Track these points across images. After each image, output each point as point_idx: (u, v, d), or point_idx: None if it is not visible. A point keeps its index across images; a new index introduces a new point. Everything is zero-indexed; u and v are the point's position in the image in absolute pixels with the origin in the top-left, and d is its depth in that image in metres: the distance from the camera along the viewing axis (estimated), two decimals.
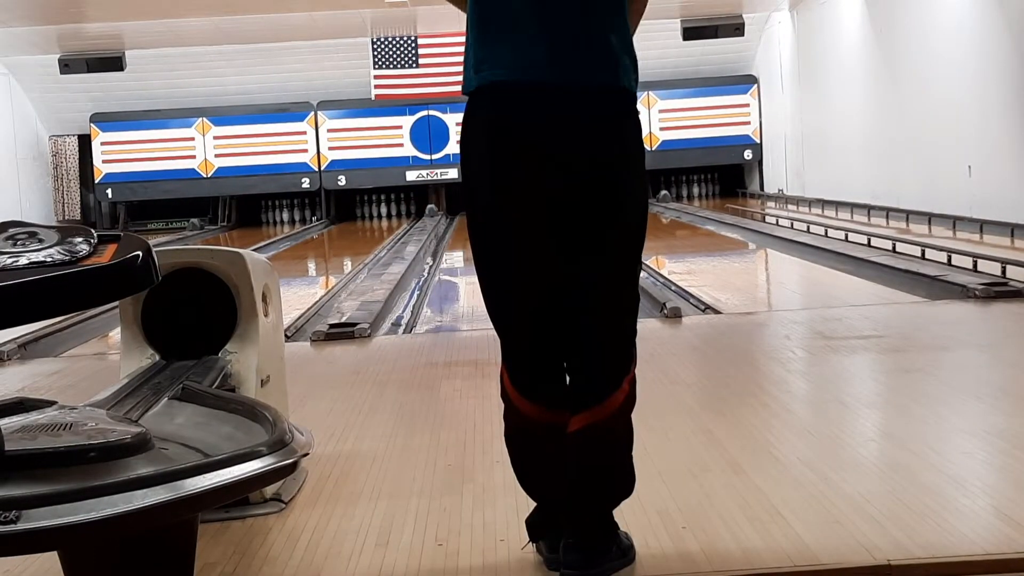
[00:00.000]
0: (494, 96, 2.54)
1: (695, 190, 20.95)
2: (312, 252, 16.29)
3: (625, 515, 3.00)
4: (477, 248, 2.63)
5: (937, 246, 8.85)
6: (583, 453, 2.58)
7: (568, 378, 2.64)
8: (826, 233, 11.51)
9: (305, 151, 20.33)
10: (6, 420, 2.26)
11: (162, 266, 2.23)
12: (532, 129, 2.51)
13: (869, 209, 13.67)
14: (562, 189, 2.52)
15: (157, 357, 3.36)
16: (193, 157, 20.36)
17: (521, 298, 2.59)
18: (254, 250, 5.15)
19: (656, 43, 18.63)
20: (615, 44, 2.54)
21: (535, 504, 2.76)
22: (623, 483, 2.69)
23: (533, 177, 2.52)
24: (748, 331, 6.44)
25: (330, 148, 20.33)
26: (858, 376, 5.14)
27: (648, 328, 6.33)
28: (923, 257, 8.67)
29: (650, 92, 19.79)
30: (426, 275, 11.11)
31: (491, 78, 2.53)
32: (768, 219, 14.75)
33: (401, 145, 20.19)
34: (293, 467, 2.26)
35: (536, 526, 2.75)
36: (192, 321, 3.41)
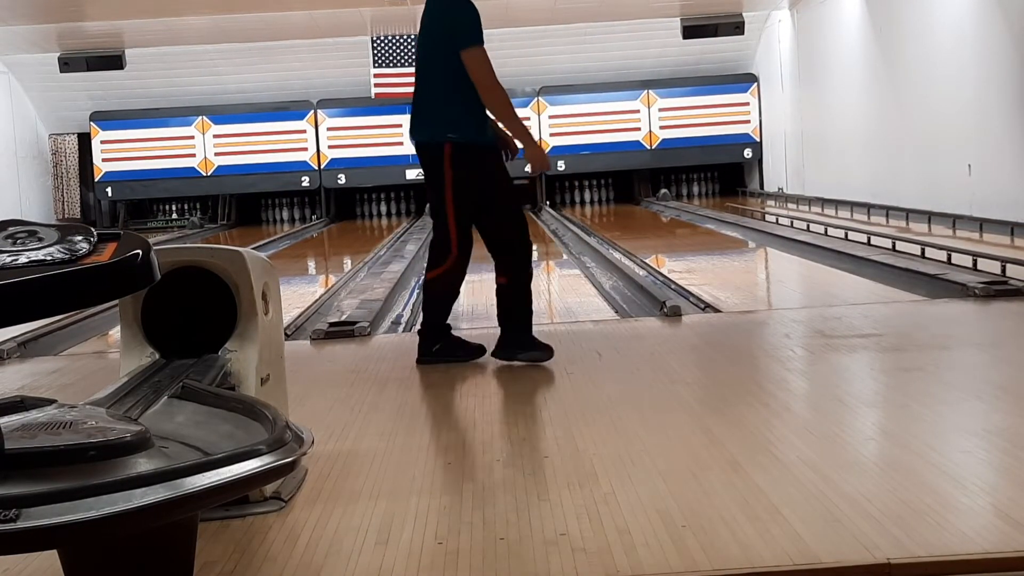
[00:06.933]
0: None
1: (695, 189, 20.94)
2: (312, 250, 16.28)
3: (625, 513, 3.01)
4: None
5: (937, 245, 8.84)
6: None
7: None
8: (826, 232, 11.50)
9: (305, 150, 20.33)
10: (6, 418, 2.26)
11: (162, 265, 2.24)
12: None
13: (869, 208, 13.66)
14: None
15: (157, 355, 3.35)
16: (193, 156, 20.36)
17: None
18: (254, 248, 5.14)
19: (656, 42, 18.56)
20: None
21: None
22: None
23: None
24: (748, 330, 6.44)
25: (330, 147, 20.33)
26: (858, 375, 5.14)
27: (648, 327, 6.34)
28: (923, 256, 8.65)
29: (649, 91, 19.73)
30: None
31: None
32: (768, 218, 14.74)
33: (401, 144, 20.13)
34: (292, 466, 2.26)
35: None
36: (192, 320, 3.41)
